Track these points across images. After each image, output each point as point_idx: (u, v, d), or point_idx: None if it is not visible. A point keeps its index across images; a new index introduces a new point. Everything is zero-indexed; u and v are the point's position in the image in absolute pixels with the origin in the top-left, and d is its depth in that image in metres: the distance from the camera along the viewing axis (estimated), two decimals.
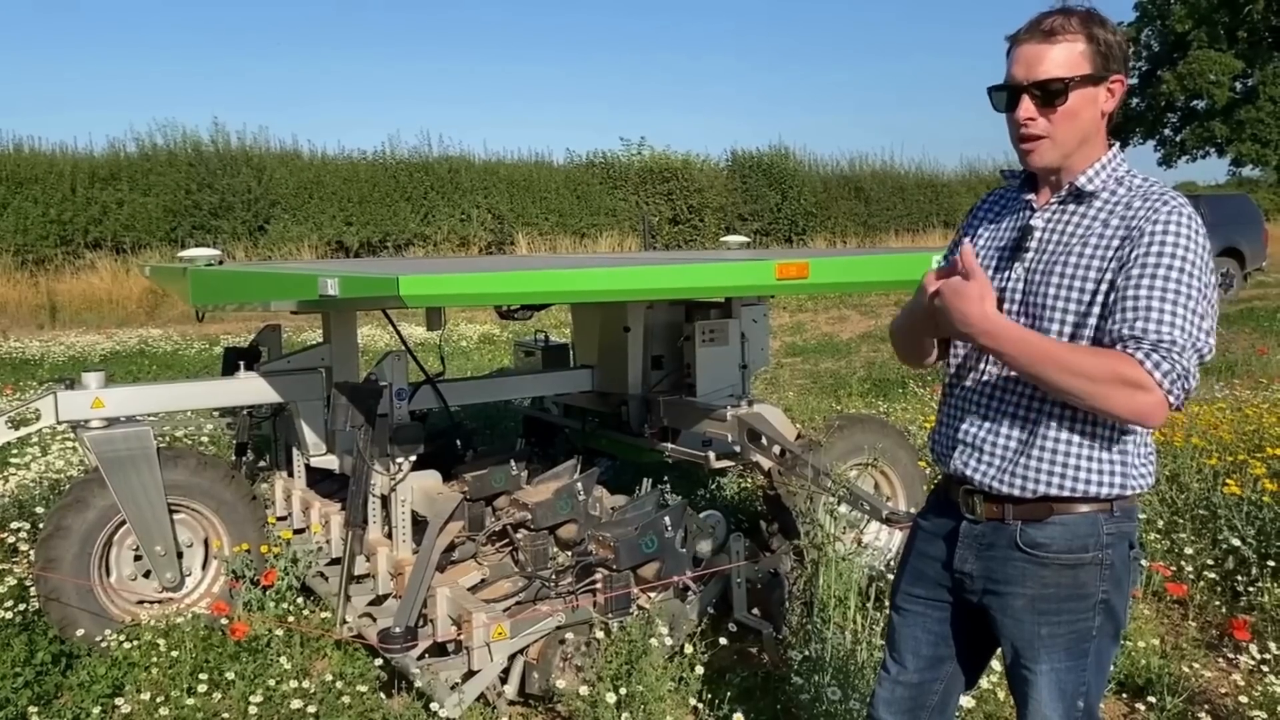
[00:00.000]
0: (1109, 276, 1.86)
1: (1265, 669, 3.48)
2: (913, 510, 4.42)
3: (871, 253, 6.25)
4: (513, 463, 4.22)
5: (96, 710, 3.29)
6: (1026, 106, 1.91)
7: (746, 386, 5.17)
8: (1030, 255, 1.99)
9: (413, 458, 3.88)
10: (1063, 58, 1.89)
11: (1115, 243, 1.87)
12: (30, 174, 17.95)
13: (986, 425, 2.02)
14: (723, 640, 3.59)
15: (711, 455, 4.64)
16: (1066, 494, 1.94)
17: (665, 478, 4.37)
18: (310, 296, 3.32)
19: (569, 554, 3.81)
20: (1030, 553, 1.97)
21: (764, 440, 4.34)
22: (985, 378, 2.04)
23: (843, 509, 4.12)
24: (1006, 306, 2.00)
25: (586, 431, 5.39)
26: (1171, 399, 1.76)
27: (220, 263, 4.65)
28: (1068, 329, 1.91)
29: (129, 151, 19.80)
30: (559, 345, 5.65)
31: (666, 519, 3.70)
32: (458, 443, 4.74)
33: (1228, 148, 39.97)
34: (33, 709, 3.30)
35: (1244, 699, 3.33)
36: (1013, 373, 1.97)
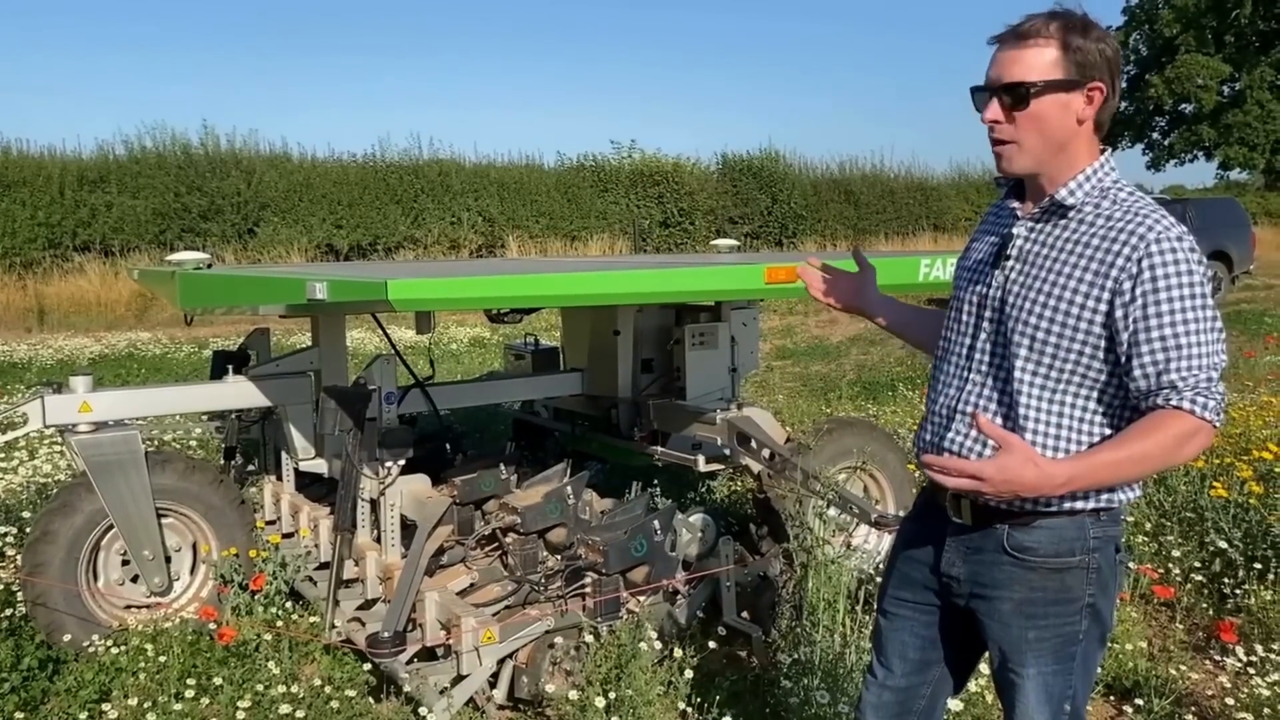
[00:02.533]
0: (1103, 308, 1.84)
1: (1252, 671, 3.49)
2: (901, 513, 4.43)
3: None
4: (502, 466, 4.22)
5: (83, 716, 3.28)
6: (993, 108, 1.91)
7: (736, 390, 5.18)
8: (1010, 264, 1.98)
9: (401, 462, 3.88)
10: (1032, 61, 1.87)
11: (1101, 268, 1.84)
12: (18, 176, 17.85)
13: (972, 435, 2.00)
14: (712, 644, 3.59)
15: (701, 458, 4.65)
16: (1054, 509, 1.93)
17: (655, 481, 4.38)
18: (299, 300, 3.32)
19: (558, 558, 3.80)
20: (1018, 556, 1.97)
21: (753, 443, 4.34)
22: (969, 387, 2.03)
23: (832, 512, 4.13)
24: (988, 315, 2.01)
25: (576, 435, 5.39)
26: (1217, 424, 1.82)
27: (209, 266, 4.64)
28: (1038, 346, 1.91)
29: (118, 154, 19.71)
30: (549, 349, 5.64)
31: (656, 522, 3.70)
32: (447, 446, 4.73)
33: (1215, 151, 40.19)
34: (19, 714, 3.29)
35: (1230, 701, 3.35)
36: (997, 385, 1.98)
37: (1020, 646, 1.99)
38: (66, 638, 3.77)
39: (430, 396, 4.74)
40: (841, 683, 3.19)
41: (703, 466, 4.65)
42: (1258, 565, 4.21)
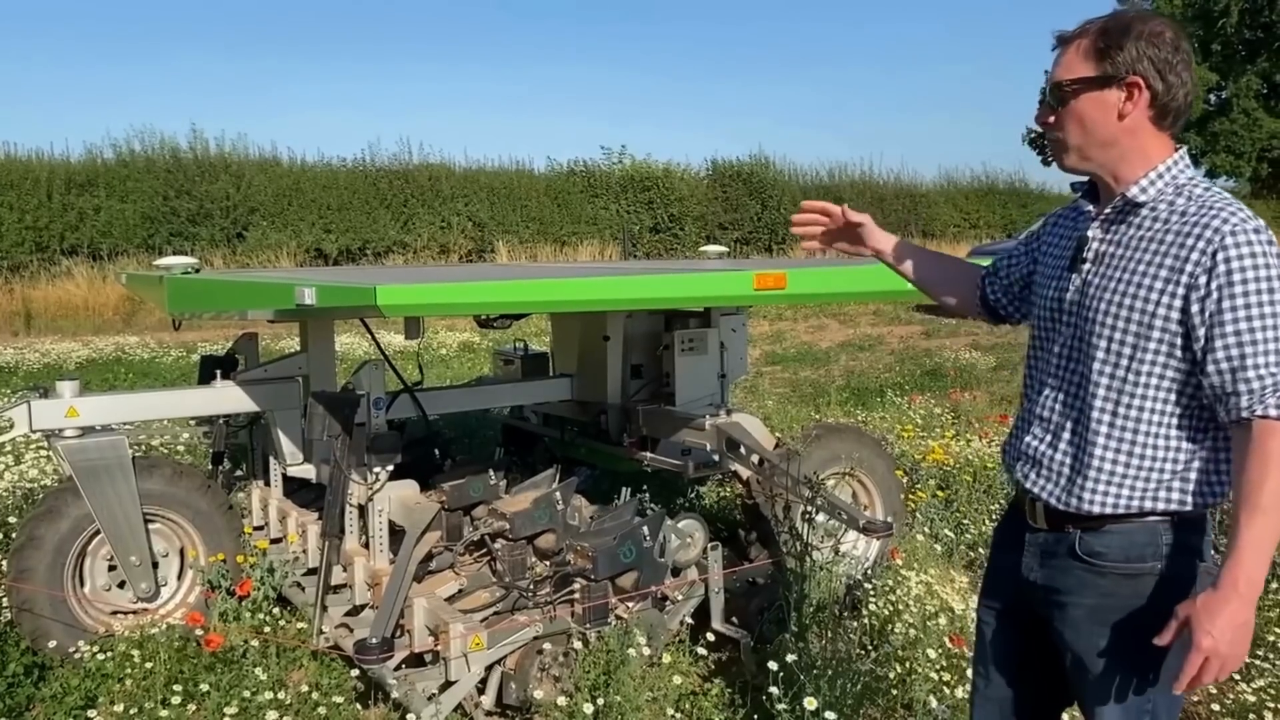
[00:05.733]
0: (1178, 304, 1.82)
1: (1236, 677, 3.51)
2: (890, 520, 4.44)
3: (849, 263, 6.27)
4: (491, 472, 4.21)
5: None
6: (1040, 109, 1.99)
7: (725, 395, 5.18)
8: (1087, 267, 1.97)
9: (390, 467, 3.87)
10: (1068, 62, 1.93)
11: (1176, 263, 1.82)
12: (6, 180, 17.81)
13: (1046, 439, 2.02)
14: (701, 650, 3.60)
15: (690, 464, 4.65)
16: (1122, 511, 1.91)
17: (644, 487, 4.38)
18: (287, 305, 3.31)
19: (547, 564, 3.80)
20: (1089, 561, 1.95)
21: (742, 449, 4.35)
22: (1047, 391, 2.04)
23: (821, 518, 4.13)
24: (1065, 319, 2.01)
25: (565, 440, 5.39)
26: None
27: (197, 270, 4.62)
28: (1115, 348, 1.90)
29: (106, 158, 19.72)
30: (538, 354, 5.64)
31: (645, 528, 3.70)
32: (436, 452, 4.72)
33: (1202, 159, 40.39)
34: None
35: (1216, 707, 3.36)
36: (1072, 389, 1.98)
37: (1092, 655, 1.95)
38: (52, 644, 3.75)
39: (419, 402, 4.73)
40: (830, 689, 3.19)
41: (692, 472, 4.65)
42: None
